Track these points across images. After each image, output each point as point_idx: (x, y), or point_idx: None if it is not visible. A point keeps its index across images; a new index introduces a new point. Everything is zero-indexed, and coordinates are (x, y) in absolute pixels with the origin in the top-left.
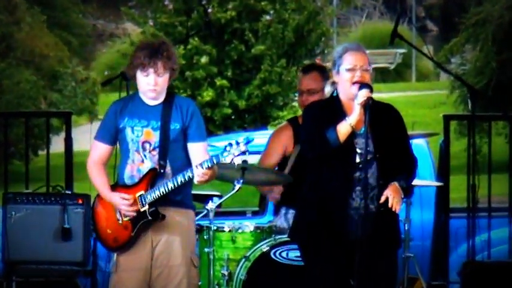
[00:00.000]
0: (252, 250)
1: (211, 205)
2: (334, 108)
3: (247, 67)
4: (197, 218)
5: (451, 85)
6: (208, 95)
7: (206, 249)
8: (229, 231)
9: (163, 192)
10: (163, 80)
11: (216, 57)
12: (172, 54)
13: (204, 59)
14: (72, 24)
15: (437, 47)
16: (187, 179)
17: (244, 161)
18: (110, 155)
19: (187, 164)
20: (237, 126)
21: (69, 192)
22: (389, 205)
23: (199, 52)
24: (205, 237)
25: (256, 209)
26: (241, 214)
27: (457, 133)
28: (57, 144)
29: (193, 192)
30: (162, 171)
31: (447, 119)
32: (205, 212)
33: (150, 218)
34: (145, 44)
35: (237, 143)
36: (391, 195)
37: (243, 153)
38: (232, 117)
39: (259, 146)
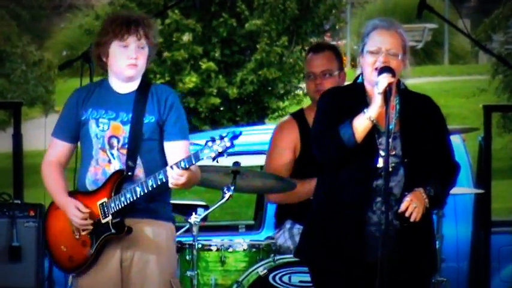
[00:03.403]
0: (245, 274)
1: (195, 218)
2: (357, 98)
3: (239, 46)
4: (178, 233)
5: (493, 68)
6: (191, 81)
7: (189, 273)
8: (218, 250)
9: (130, 200)
10: (143, 55)
11: (201, 35)
12: (153, 27)
13: (186, 37)
14: None
15: (475, 21)
16: (159, 183)
17: (236, 163)
18: (70, 155)
19: (166, 166)
20: (227, 119)
21: (19, 202)
22: (402, 209)
23: (181, 28)
24: (187, 257)
25: (251, 222)
26: (232, 229)
27: (501, 128)
28: (4, 142)
29: (173, 201)
30: (130, 173)
31: (488, 110)
32: (188, 226)
33: (113, 231)
34: (117, 15)
35: (221, 138)
36: (409, 199)
37: (228, 149)
38: (221, 108)
39: (256, 144)
